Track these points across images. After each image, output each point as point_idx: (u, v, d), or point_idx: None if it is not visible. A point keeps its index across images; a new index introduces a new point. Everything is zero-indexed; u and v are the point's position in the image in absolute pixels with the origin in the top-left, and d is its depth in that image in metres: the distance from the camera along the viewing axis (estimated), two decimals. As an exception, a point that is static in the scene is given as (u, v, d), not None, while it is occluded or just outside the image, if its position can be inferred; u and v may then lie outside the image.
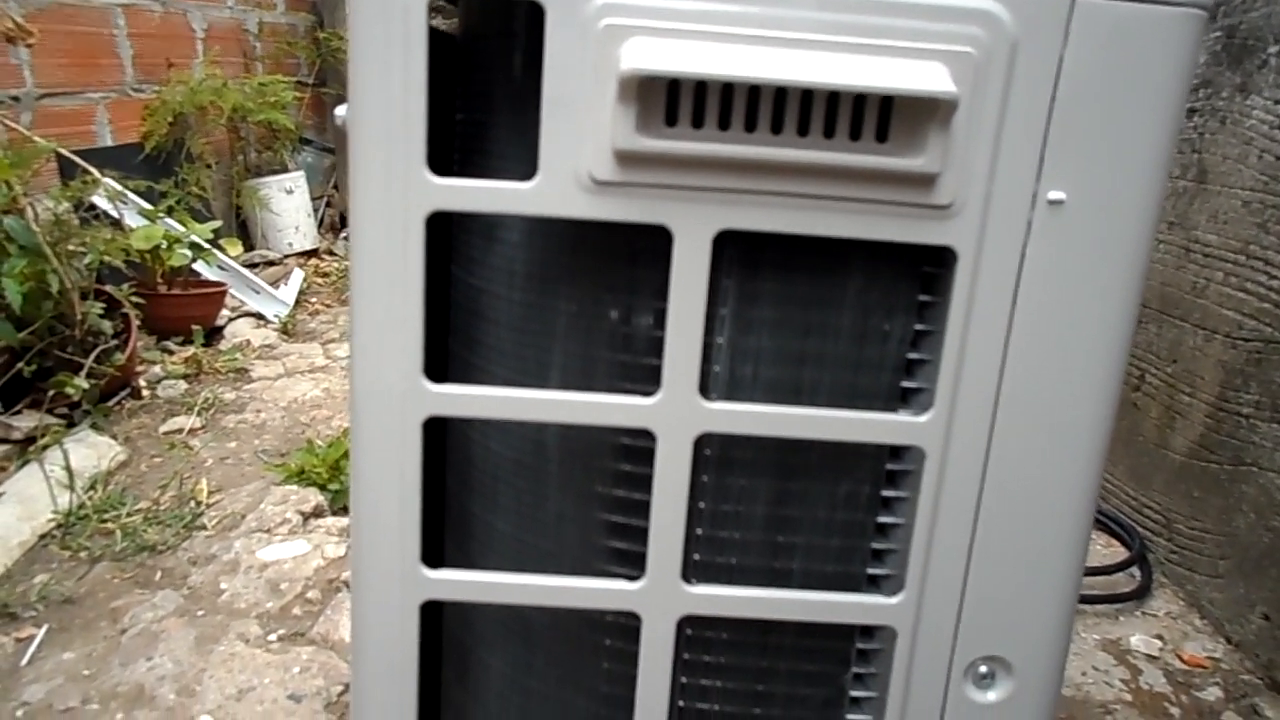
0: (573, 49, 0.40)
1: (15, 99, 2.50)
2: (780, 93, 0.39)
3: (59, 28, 2.66)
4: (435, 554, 0.50)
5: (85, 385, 1.94)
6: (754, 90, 0.39)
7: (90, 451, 1.88)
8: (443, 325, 0.49)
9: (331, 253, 3.78)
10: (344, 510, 1.61)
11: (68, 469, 1.72)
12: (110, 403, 2.11)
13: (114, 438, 1.96)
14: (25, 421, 1.91)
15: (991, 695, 0.49)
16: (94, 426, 1.98)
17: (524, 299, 0.48)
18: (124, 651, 1.20)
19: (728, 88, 0.39)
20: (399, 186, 0.42)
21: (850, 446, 0.46)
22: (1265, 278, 1.29)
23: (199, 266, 2.72)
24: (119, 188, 2.34)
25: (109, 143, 2.95)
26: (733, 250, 0.44)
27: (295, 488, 1.65)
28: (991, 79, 0.41)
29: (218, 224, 2.76)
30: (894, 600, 0.48)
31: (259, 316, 2.89)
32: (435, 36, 0.42)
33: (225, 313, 2.82)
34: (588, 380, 0.48)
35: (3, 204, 1.79)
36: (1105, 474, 1.66)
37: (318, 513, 1.58)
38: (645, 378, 0.46)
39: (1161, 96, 0.42)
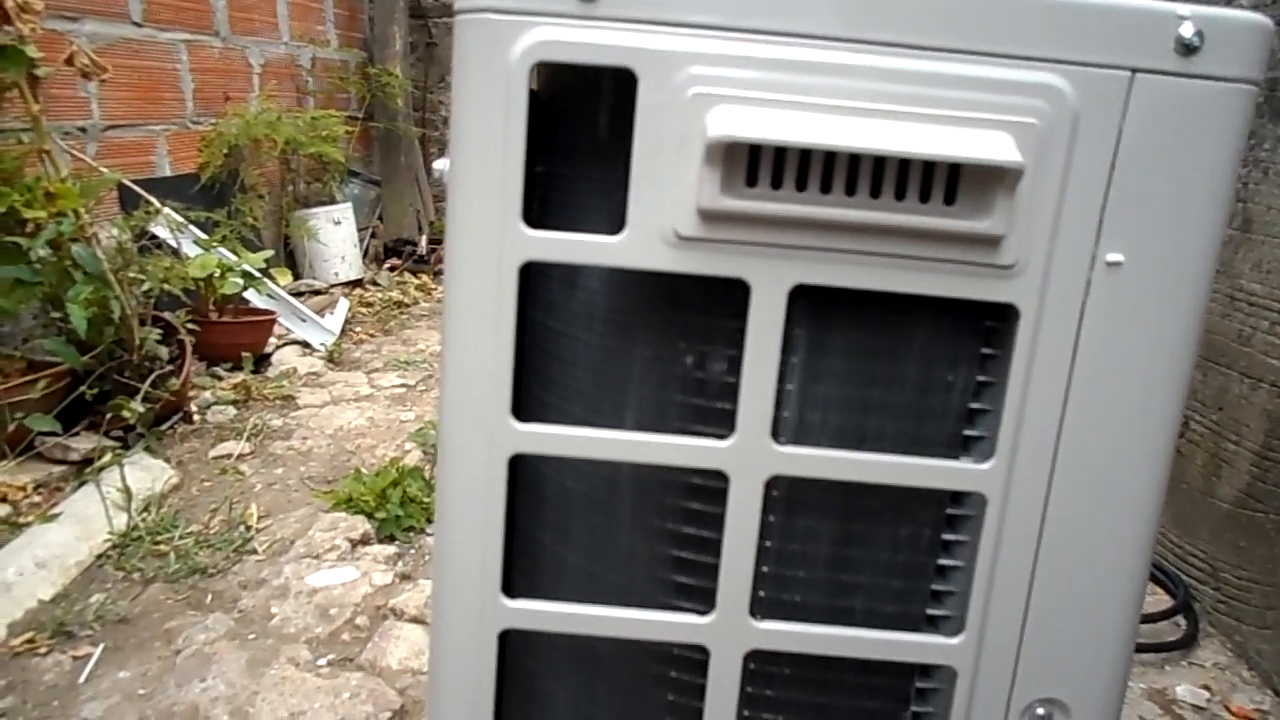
0: (663, 114, 0.43)
1: (82, 130, 2.61)
2: (854, 158, 0.42)
3: (126, 62, 2.78)
4: (506, 585, 0.53)
5: (141, 409, 2.00)
6: (829, 156, 0.42)
7: (144, 474, 1.93)
8: (518, 364, 0.52)
9: (375, 283, 3.86)
10: (390, 538, 1.65)
11: (124, 491, 1.77)
12: (163, 426, 2.17)
13: (167, 461, 2.02)
14: (83, 443, 1.97)
15: (1048, 737, 0.50)
16: (147, 449, 2.04)
17: (602, 343, 0.50)
18: (178, 672, 1.24)
19: (805, 153, 0.42)
20: (495, 238, 0.45)
21: (913, 491, 0.48)
22: (1313, 327, 1.29)
23: (249, 294, 2.80)
24: (179, 218, 2.42)
25: (167, 173, 3.05)
26: (805, 302, 0.46)
27: (343, 515, 1.69)
28: (1054, 148, 0.43)
29: (269, 253, 2.84)
30: (954, 641, 0.49)
31: (305, 344, 2.96)
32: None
33: (273, 340, 2.89)
34: (661, 422, 0.50)
35: (71, 232, 1.87)
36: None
37: (365, 540, 1.61)
38: (716, 421, 0.48)
39: (1214, 166, 0.44)
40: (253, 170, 3.33)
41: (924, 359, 0.48)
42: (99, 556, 1.59)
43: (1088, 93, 0.43)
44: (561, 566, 0.55)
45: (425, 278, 3.98)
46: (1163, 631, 1.47)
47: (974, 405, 0.48)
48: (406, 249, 4.22)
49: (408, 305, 3.63)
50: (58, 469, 1.88)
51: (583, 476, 0.53)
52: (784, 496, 0.49)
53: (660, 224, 0.44)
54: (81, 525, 1.66)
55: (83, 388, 1.90)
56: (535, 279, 0.53)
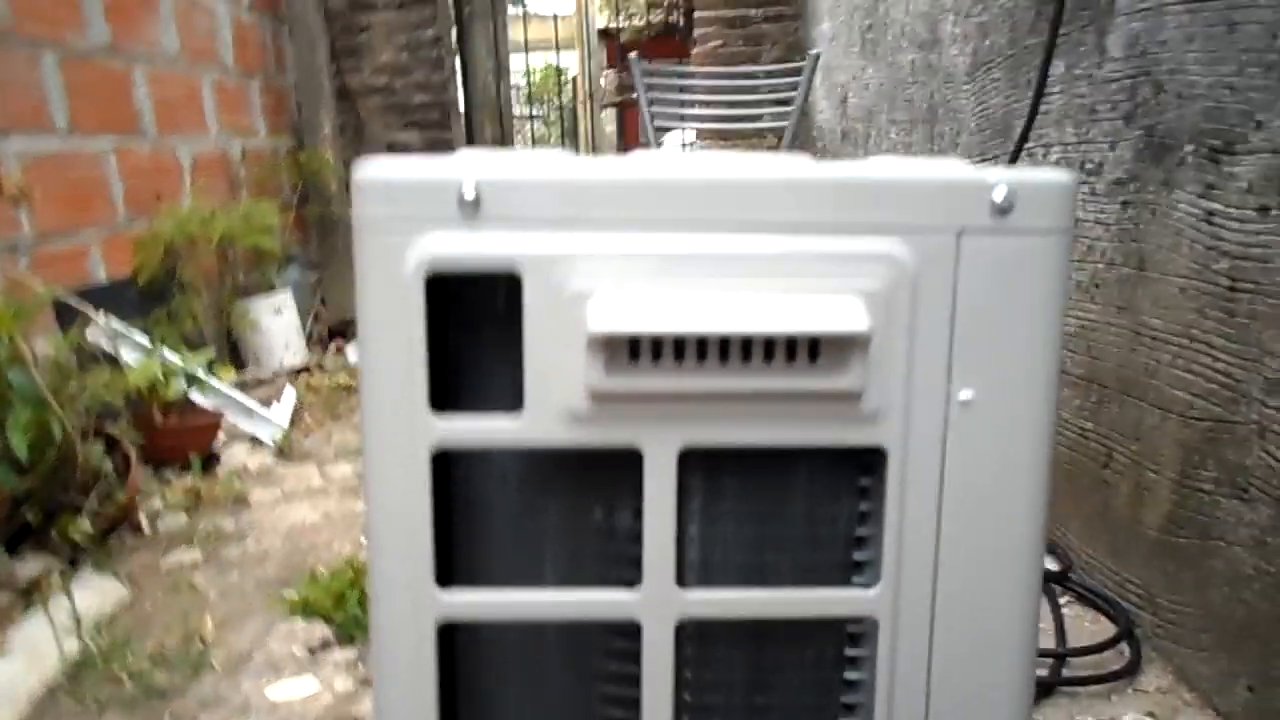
0: (547, 309, 0.47)
1: (13, 247, 2.59)
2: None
3: (54, 174, 2.77)
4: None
5: (88, 528, 1.97)
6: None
7: (94, 594, 1.90)
8: (440, 530, 0.55)
9: (321, 367, 3.84)
10: (350, 639, 1.65)
11: (74, 617, 1.75)
12: (111, 539, 2.14)
13: (116, 576, 1.99)
14: (29, 567, 1.94)
15: (960, 831, 0.54)
16: (96, 566, 2.01)
17: (516, 503, 0.54)
18: (142, 806, 1.22)
19: (680, 337, 0.47)
20: (406, 428, 0.49)
21: (813, 619, 0.53)
22: (1209, 359, 1.37)
23: (194, 395, 2.78)
24: (119, 328, 2.41)
25: (103, 278, 3.03)
26: (698, 455, 0.51)
27: (301, 621, 1.68)
28: (899, 306, 0.48)
29: (211, 353, 2.83)
30: (864, 750, 0.53)
31: (254, 439, 2.94)
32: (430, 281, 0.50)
33: (221, 435, 2.87)
34: (577, 571, 0.54)
35: (6, 357, 1.86)
36: (1086, 551, 1.72)
37: (325, 644, 1.61)
38: (629, 565, 0.52)
39: (1040, 304, 0.49)
40: (190, 268, 3.32)
41: (809, 495, 0.52)
42: (52, 689, 1.56)
43: (922, 255, 0.48)
44: (497, 709, 0.58)
45: (372, 356, 3.99)
46: (1108, 661, 1.52)
47: (859, 532, 0.53)
48: (350, 329, 4.22)
49: (354, 388, 3.63)
50: (3, 595, 1.85)
51: (510, 631, 0.56)
52: (695, 630, 0.53)
53: (555, 403, 0.48)
54: (31, 655, 1.63)
55: (27, 512, 1.88)
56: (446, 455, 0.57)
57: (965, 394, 0.50)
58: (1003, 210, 0.48)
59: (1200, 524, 1.41)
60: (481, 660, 0.57)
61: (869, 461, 0.52)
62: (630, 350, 0.47)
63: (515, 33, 7.14)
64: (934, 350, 0.49)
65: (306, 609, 1.72)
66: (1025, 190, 0.48)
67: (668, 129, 3.35)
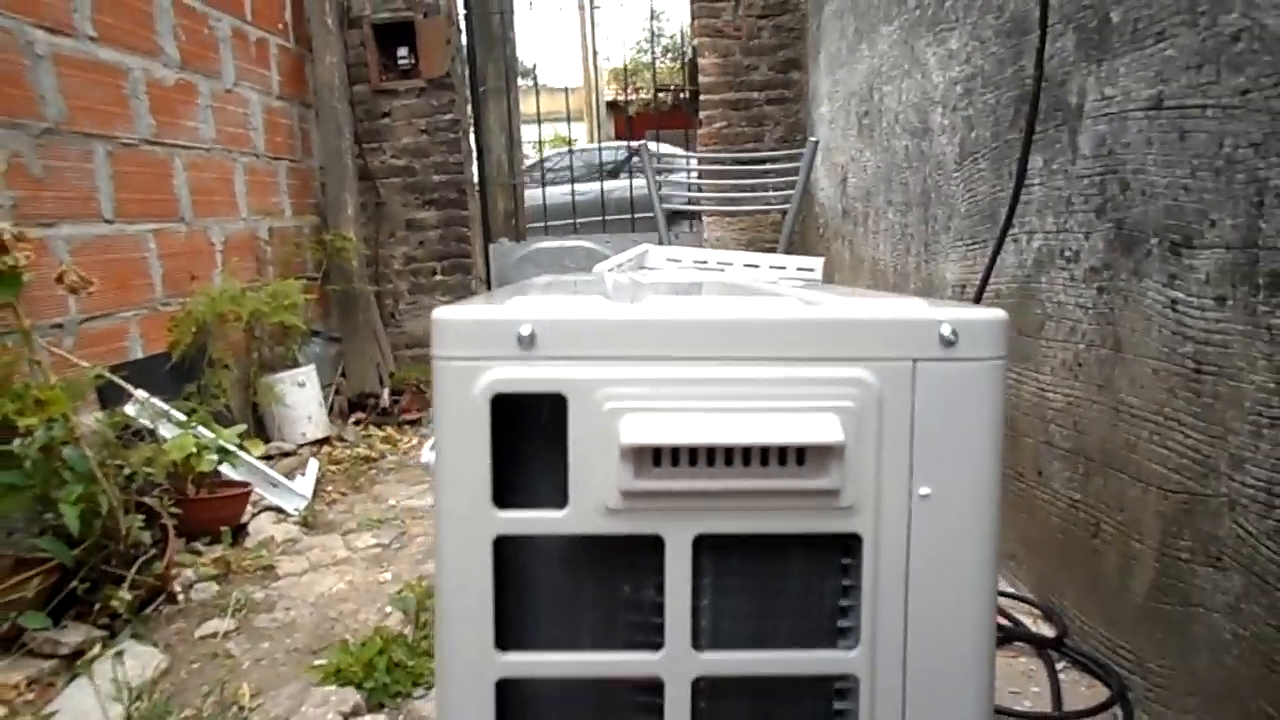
0: (587, 424, 0.60)
1: (59, 325, 2.75)
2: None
3: (99, 257, 2.94)
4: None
5: (128, 597, 2.08)
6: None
7: (134, 662, 2.00)
8: (498, 601, 0.66)
9: (342, 439, 3.97)
10: (380, 706, 1.73)
11: (115, 682, 1.84)
12: (148, 609, 2.24)
13: (154, 645, 2.08)
14: (71, 636, 2.04)
15: None
16: (135, 636, 2.11)
17: (560, 579, 0.66)
18: None
19: (694, 447, 0.59)
20: (474, 519, 0.61)
21: (806, 676, 0.64)
22: (1181, 436, 1.48)
23: (224, 468, 2.90)
24: (162, 407, 2.55)
25: (139, 355, 3.18)
26: (709, 541, 0.62)
27: (333, 688, 1.77)
28: (868, 420, 0.60)
29: (242, 428, 2.96)
30: (851, 789, 0.64)
31: (280, 510, 3.05)
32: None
33: (248, 508, 2.98)
34: (610, 634, 0.65)
35: (62, 435, 1.99)
36: (1079, 616, 1.80)
37: (356, 711, 1.70)
38: (653, 631, 0.63)
39: (982, 417, 0.61)
40: (220, 344, 3.47)
41: (800, 573, 0.64)
42: (100, 754, 1.65)
43: (886, 379, 0.60)
44: (542, 756, 0.69)
45: (390, 430, 4.11)
46: (1102, 723, 1.60)
47: (842, 603, 0.64)
48: (370, 401, 4.35)
49: (375, 459, 3.74)
50: (48, 663, 1.94)
51: (554, 687, 0.67)
52: (709, 687, 0.64)
53: (594, 500, 0.60)
54: (79, 722, 1.73)
55: (74, 582, 1.99)
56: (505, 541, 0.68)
57: (924, 489, 0.61)
58: (949, 342, 0.60)
59: (1181, 591, 1.50)
60: (528, 714, 0.68)
61: (848, 545, 0.63)
62: (654, 457, 0.59)
63: (527, 105, 7.42)
64: (898, 455, 0.61)
65: (338, 676, 1.81)
66: (966, 327, 0.60)
67: (675, 209, 3.51)
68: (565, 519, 0.60)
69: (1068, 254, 1.83)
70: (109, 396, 2.72)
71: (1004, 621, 1.93)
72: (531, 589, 0.66)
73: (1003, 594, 2.06)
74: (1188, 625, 1.48)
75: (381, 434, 4.04)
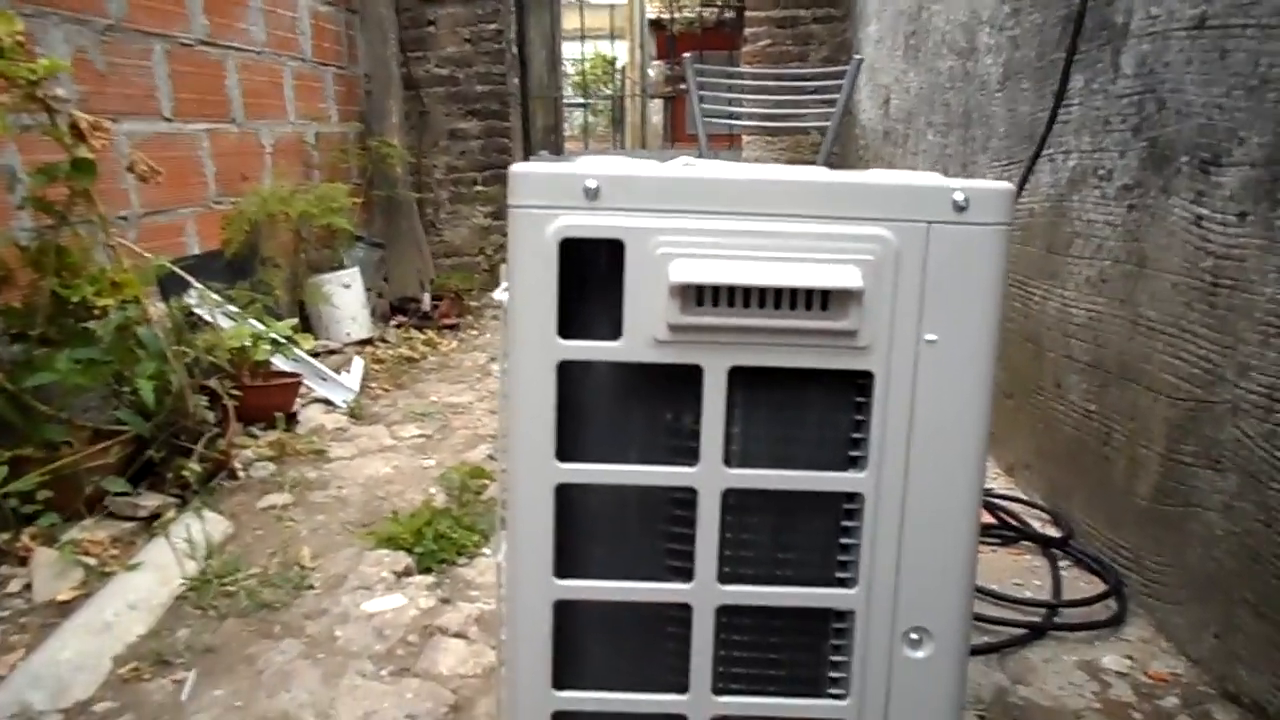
0: (641, 266, 0.69)
1: (124, 219, 2.88)
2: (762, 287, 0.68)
3: (158, 154, 3.05)
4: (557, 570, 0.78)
5: (197, 468, 2.25)
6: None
7: (204, 526, 2.17)
8: (558, 423, 0.77)
9: (385, 340, 4.12)
10: (428, 570, 1.89)
11: (189, 542, 2.01)
12: (212, 483, 2.42)
13: (220, 513, 2.26)
14: (148, 501, 2.21)
15: (920, 653, 0.75)
16: (203, 504, 2.28)
17: (611, 404, 0.76)
18: (265, 687, 1.48)
19: (732, 285, 0.68)
20: (541, 347, 0.71)
21: (820, 495, 0.74)
22: (1194, 347, 1.55)
23: (275, 359, 3.05)
24: (218, 299, 2.68)
25: (195, 251, 3.32)
26: (741, 374, 0.72)
27: (386, 552, 1.93)
28: (885, 272, 0.69)
29: (294, 322, 3.10)
30: (853, 591, 0.75)
31: (328, 402, 3.21)
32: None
33: (299, 400, 3.14)
34: (652, 455, 0.76)
35: (137, 316, 2.13)
36: (1085, 520, 1.90)
37: (407, 572, 1.85)
38: (689, 454, 0.74)
39: (986, 277, 0.70)
40: (270, 243, 3.60)
41: (820, 407, 0.73)
42: (178, 598, 1.83)
43: (903, 237, 0.69)
44: (589, 558, 0.80)
45: (430, 333, 4.25)
46: (1096, 613, 1.71)
47: (854, 435, 0.74)
48: (411, 306, 4.49)
49: (417, 360, 3.89)
50: (128, 525, 2.12)
51: (603, 497, 0.78)
52: (736, 502, 0.75)
53: (644, 333, 0.70)
54: (159, 572, 1.90)
55: (150, 452, 2.15)
56: (565, 368, 0.79)
57: (931, 336, 0.70)
58: (960, 208, 0.69)
59: (1182, 493, 1.59)
60: (579, 516, 0.80)
61: (862, 382, 0.73)
62: (698, 296, 0.69)
63: (569, 21, 7.35)
64: (909, 304, 0.70)
65: (390, 542, 1.96)
66: (976, 195, 0.69)
67: (716, 122, 3.54)
68: (619, 348, 0.70)
69: (1101, 173, 1.87)
70: (169, 288, 2.86)
71: (1013, 523, 2.03)
72: (587, 414, 0.77)
73: (1014, 500, 2.17)
74: (1184, 524, 1.58)
75: (423, 337, 4.17)
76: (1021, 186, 2.04)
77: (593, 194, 0.69)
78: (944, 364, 0.71)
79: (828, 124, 3.13)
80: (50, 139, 2.00)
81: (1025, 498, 2.18)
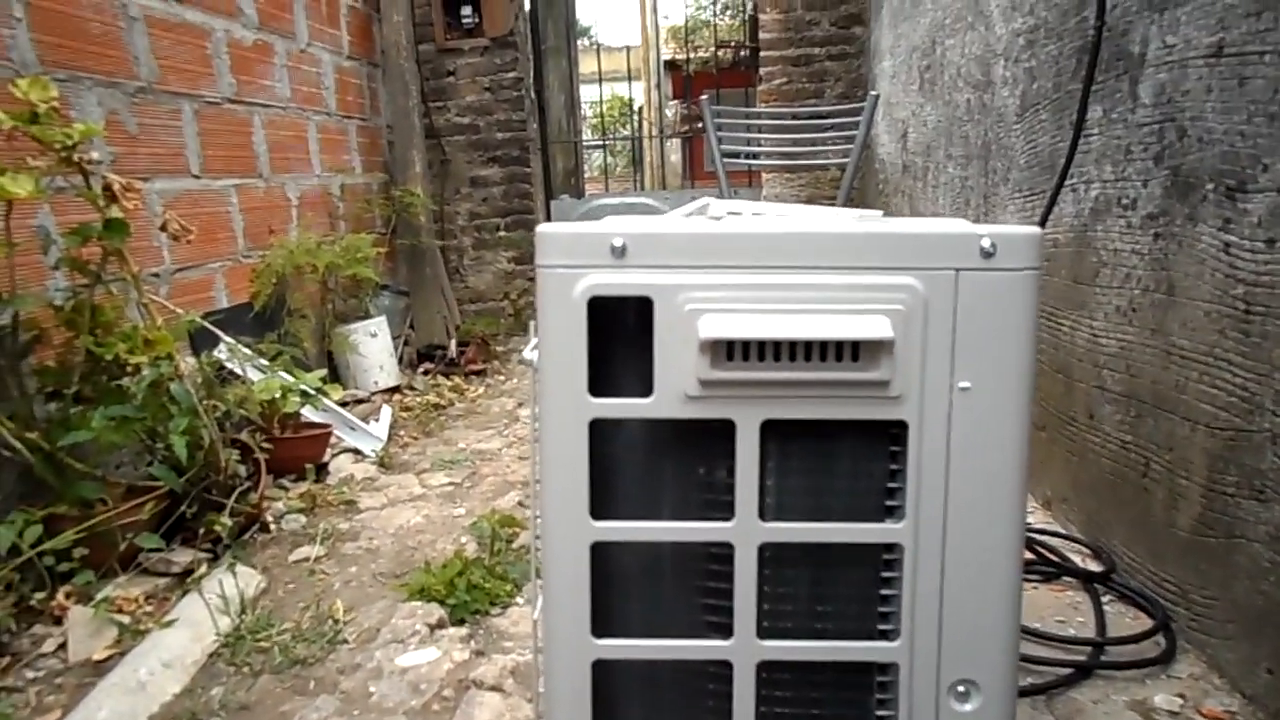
0: (670, 323, 0.69)
1: (156, 275, 2.94)
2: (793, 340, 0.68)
3: (188, 210, 3.12)
4: (594, 629, 0.77)
5: (229, 523, 2.26)
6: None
7: (236, 581, 2.18)
8: (591, 481, 0.77)
9: (412, 388, 4.14)
10: (461, 621, 1.88)
11: (222, 597, 2.02)
12: (244, 536, 2.43)
13: (253, 567, 2.26)
14: (180, 556, 2.23)
15: (967, 707, 0.74)
16: (235, 558, 2.29)
17: (643, 460, 0.76)
18: (300, 744, 1.47)
19: (763, 340, 0.68)
20: (572, 405, 0.71)
21: (857, 545, 0.73)
22: (1230, 375, 1.53)
23: (305, 410, 3.08)
24: (248, 352, 2.72)
25: (225, 305, 3.37)
26: (774, 427, 0.72)
27: (418, 604, 1.92)
28: (915, 322, 0.69)
29: (323, 373, 3.13)
30: (895, 644, 0.73)
31: (357, 451, 3.23)
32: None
33: (328, 450, 3.16)
34: (685, 511, 0.75)
35: (169, 372, 2.16)
36: (1127, 553, 1.86)
37: (440, 624, 1.84)
38: (723, 509, 0.73)
39: (1018, 322, 0.69)
40: (297, 294, 3.65)
41: (854, 457, 0.73)
42: (211, 655, 1.83)
43: (932, 286, 0.69)
44: (626, 616, 0.80)
45: (457, 379, 4.27)
46: (1144, 650, 1.67)
47: (890, 485, 0.73)
48: (438, 353, 4.52)
49: (444, 407, 3.90)
50: (162, 581, 2.13)
51: (638, 553, 0.78)
52: (773, 554, 0.74)
53: (675, 389, 0.70)
54: (192, 629, 1.91)
55: (183, 507, 2.17)
56: (597, 425, 0.79)
57: (964, 384, 0.70)
58: (988, 254, 0.68)
59: (1225, 524, 1.55)
60: (615, 574, 0.79)
61: (896, 432, 0.72)
62: (728, 351, 0.68)
63: (586, 64, 7.45)
64: (941, 352, 0.70)
65: (422, 594, 1.96)
66: (1004, 240, 0.69)
67: (735, 162, 3.57)
68: (651, 405, 0.70)
69: (1125, 202, 1.86)
70: (199, 343, 2.90)
71: (1052, 558, 2.00)
72: (620, 470, 0.77)
73: (1052, 534, 2.13)
74: (1230, 556, 1.54)
75: (449, 383, 4.20)
76: (1045, 217, 2.03)
77: (620, 252, 0.69)
78: (978, 411, 0.70)
79: (847, 160, 3.14)
80: (83, 199, 2.05)
81: (1064, 531, 2.14)
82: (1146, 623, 1.75)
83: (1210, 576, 1.61)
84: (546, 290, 0.71)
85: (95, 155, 2.12)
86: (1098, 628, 1.74)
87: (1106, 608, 1.82)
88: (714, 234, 0.69)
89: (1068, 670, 1.59)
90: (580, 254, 0.70)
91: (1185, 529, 1.68)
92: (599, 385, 0.74)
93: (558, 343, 0.71)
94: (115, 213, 2.04)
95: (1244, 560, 1.50)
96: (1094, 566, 1.96)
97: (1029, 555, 2.00)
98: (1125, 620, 1.79)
